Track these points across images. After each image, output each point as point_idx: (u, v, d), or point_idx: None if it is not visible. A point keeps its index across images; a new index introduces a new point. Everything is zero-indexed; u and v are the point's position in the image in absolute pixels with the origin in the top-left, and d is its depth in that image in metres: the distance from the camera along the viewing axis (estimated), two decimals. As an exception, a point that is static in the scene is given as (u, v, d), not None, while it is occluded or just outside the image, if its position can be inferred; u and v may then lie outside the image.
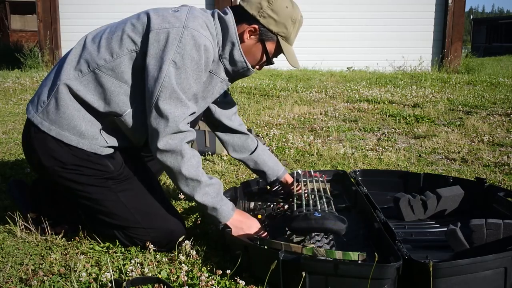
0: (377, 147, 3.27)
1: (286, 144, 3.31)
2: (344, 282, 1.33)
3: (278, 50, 1.70)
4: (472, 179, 2.20)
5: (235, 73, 1.71)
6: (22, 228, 1.79)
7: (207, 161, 2.89)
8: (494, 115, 4.44)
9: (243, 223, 1.63)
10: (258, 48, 1.68)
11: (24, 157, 2.93)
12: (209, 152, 2.98)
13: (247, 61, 1.67)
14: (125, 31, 1.56)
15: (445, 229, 1.59)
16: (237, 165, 2.82)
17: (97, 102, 1.58)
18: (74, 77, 1.58)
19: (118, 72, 1.56)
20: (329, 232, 1.52)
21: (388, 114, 4.53)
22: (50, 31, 9.04)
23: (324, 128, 3.88)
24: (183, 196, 2.10)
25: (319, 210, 1.55)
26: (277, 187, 2.08)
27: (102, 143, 1.63)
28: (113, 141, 1.66)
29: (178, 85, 1.51)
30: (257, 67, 1.75)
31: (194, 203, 2.18)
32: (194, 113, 1.59)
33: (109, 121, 1.62)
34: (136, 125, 1.61)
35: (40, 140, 1.61)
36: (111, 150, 1.66)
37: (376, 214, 1.72)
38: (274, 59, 1.75)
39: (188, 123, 1.57)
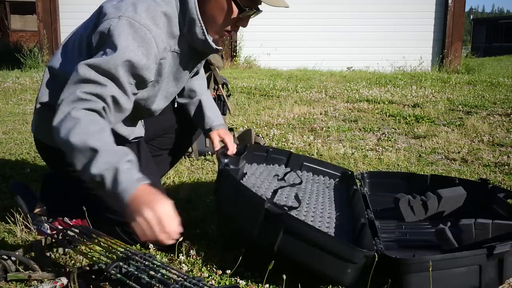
0: (377, 147, 3.27)
1: (286, 144, 3.31)
2: (314, 251, 1.33)
3: None
4: (477, 180, 2.20)
5: (201, 50, 1.60)
6: (22, 228, 1.79)
7: (207, 161, 2.88)
8: (494, 115, 4.44)
9: (148, 200, 1.21)
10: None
11: (24, 157, 2.93)
12: (209, 152, 2.98)
13: (209, 40, 1.52)
14: (83, 38, 1.53)
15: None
16: (237, 165, 2.82)
17: None
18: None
19: None
20: None
21: (388, 114, 4.53)
22: (50, 31, 9.04)
23: (324, 128, 3.88)
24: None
25: None
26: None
27: None
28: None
29: (92, 66, 1.33)
30: (239, 24, 1.53)
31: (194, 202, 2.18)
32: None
33: None
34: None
35: (44, 148, 1.71)
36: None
37: (366, 212, 1.72)
38: (261, 7, 1.53)
39: (95, 95, 1.32)
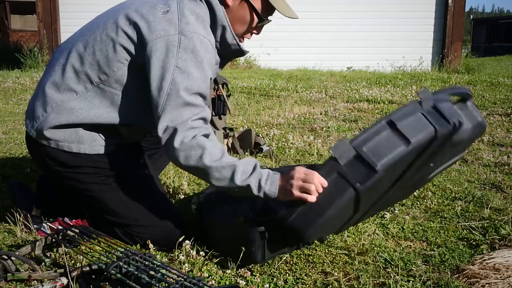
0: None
1: (286, 144, 3.31)
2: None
3: (267, 5, 1.59)
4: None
5: (229, 55, 1.69)
6: (22, 228, 1.79)
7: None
8: (494, 115, 4.44)
9: (286, 184, 1.43)
10: (245, 9, 1.60)
11: (24, 157, 2.93)
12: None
13: (240, 44, 1.63)
14: (118, 41, 1.52)
15: None
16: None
17: (102, 115, 1.59)
18: (73, 97, 1.58)
19: (121, 82, 1.56)
20: None
21: (388, 114, 4.53)
22: (50, 31, 9.04)
23: (324, 128, 3.88)
24: (184, 194, 2.10)
25: None
26: None
27: (101, 142, 1.65)
28: (112, 139, 1.67)
29: (185, 90, 1.46)
30: (255, 31, 1.66)
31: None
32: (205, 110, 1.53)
33: (109, 125, 1.62)
34: (135, 120, 1.64)
35: (40, 149, 1.66)
36: (112, 147, 1.68)
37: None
38: (271, 17, 1.66)
39: (200, 119, 1.49)
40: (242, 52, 1.67)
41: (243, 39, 1.68)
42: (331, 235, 1.78)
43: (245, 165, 1.45)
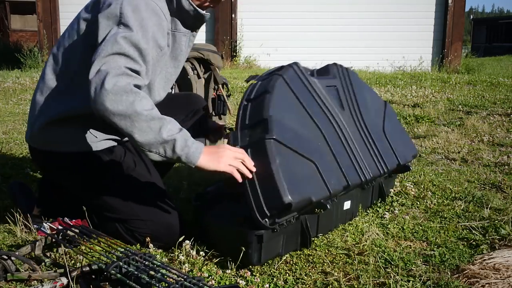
0: (377, 147, 3.27)
1: (286, 144, 3.31)
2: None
3: None
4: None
5: (191, 22, 1.68)
6: (22, 228, 1.79)
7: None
8: (494, 115, 4.44)
9: (215, 153, 1.47)
10: None
11: (24, 157, 2.93)
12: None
13: (197, 8, 1.62)
14: (80, 30, 1.58)
15: None
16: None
17: (78, 107, 1.59)
18: (52, 96, 1.62)
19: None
20: None
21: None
22: (50, 31, 9.04)
23: (324, 128, 3.87)
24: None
25: None
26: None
27: (97, 139, 1.67)
28: (104, 135, 1.69)
29: (123, 38, 1.41)
30: (211, 5, 1.68)
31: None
32: (141, 72, 1.46)
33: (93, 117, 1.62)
34: None
35: (38, 152, 1.73)
36: (108, 143, 1.69)
37: None
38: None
39: (135, 72, 1.43)
40: (202, 17, 1.66)
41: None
42: (331, 235, 1.79)
43: (173, 124, 1.42)
